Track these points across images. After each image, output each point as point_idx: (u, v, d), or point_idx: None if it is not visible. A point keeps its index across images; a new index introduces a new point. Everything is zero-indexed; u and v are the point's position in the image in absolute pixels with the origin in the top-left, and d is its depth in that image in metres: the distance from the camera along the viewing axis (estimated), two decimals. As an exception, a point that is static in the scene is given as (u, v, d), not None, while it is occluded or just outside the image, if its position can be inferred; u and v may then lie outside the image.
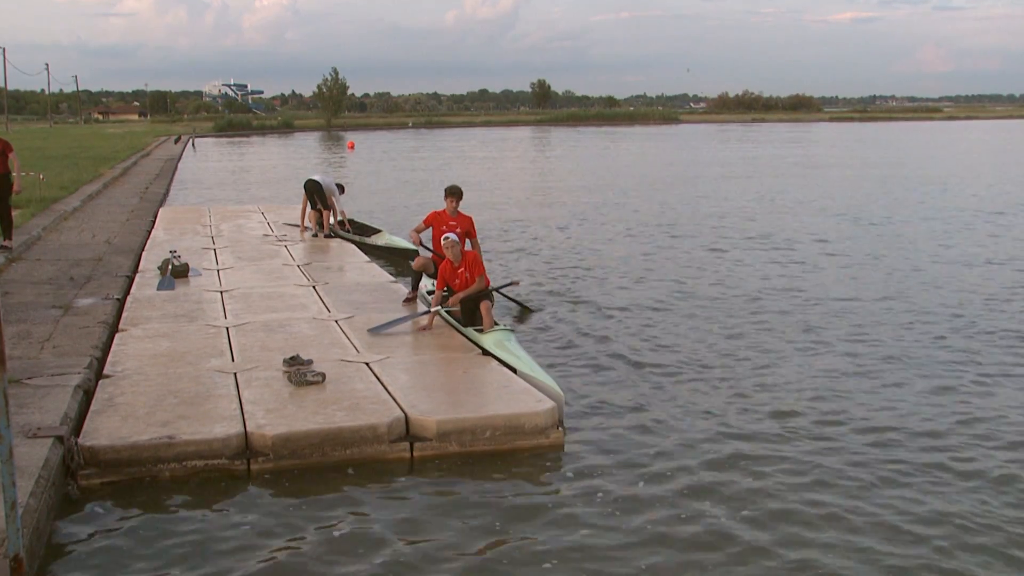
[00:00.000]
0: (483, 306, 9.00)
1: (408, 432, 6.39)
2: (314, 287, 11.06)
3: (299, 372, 7.21)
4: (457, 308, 9.28)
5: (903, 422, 7.17)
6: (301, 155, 51.36)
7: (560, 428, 6.68)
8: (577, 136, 75.45)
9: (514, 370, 7.77)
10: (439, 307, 9.32)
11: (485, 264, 9.65)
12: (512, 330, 9.01)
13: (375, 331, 8.86)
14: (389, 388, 7.00)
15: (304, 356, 7.71)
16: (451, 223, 10.06)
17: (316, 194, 15.79)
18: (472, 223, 10.28)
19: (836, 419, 7.22)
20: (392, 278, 11.92)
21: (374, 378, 7.29)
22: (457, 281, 9.28)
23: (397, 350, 8.21)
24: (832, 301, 11.58)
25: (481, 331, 8.72)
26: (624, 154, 50.33)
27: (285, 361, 7.58)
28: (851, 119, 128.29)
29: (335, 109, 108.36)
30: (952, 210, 21.75)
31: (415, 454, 6.28)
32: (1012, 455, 6.50)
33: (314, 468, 6.06)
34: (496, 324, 8.88)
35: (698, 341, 9.59)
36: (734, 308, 11.18)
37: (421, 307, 10.06)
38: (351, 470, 6.06)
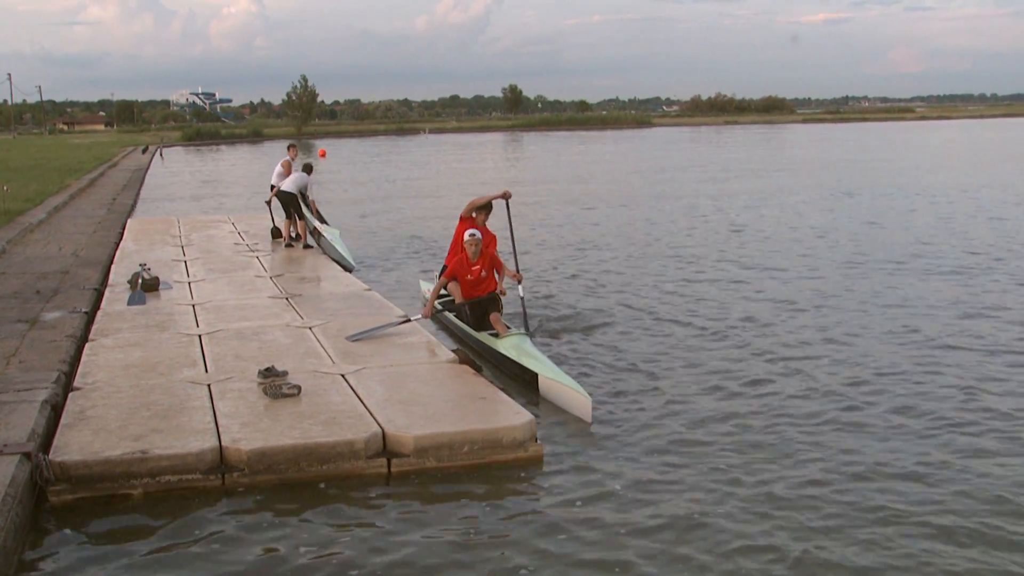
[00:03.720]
0: (492, 317, 8.97)
1: (385, 448, 6.30)
2: (287, 298, 10.93)
3: (274, 385, 7.10)
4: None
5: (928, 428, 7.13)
6: (271, 164, 50.76)
7: (538, 441, 6.58)
8: (548, 142, 75.45)
9: (536, 374, 7.71)
10: (445, 312, 9.36)
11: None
12: (528, 334, 8.89)
13: (354, 338, 8.76)
14: (365, 402, 6.91)
15: (279, 367, 7.60)
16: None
17: (291, 205, 15.76)
18: (495, 241, 9.95)
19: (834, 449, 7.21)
20: (365, 286, 11.81)
21: (350, 391, 7.20)
22: (469, 277, 9.17)
23: (372, 359, 8.12)
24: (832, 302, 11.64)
25: (495, 335, 8.71)
26: (599, 159, 50.41)
27: (260, 373, 7.47)
28: (824, 120, 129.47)
29: (305, 117, 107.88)
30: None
31: (392, 469, 6.19)
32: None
33: (290, 483, 5.97)
34: (509, 328, 8.88)
35: (689, 359, 9.51)
36: (727, 319, 11.19)
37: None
38: (327, 485, 5.98)
